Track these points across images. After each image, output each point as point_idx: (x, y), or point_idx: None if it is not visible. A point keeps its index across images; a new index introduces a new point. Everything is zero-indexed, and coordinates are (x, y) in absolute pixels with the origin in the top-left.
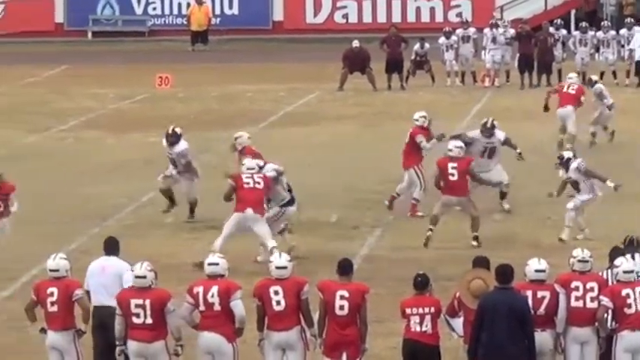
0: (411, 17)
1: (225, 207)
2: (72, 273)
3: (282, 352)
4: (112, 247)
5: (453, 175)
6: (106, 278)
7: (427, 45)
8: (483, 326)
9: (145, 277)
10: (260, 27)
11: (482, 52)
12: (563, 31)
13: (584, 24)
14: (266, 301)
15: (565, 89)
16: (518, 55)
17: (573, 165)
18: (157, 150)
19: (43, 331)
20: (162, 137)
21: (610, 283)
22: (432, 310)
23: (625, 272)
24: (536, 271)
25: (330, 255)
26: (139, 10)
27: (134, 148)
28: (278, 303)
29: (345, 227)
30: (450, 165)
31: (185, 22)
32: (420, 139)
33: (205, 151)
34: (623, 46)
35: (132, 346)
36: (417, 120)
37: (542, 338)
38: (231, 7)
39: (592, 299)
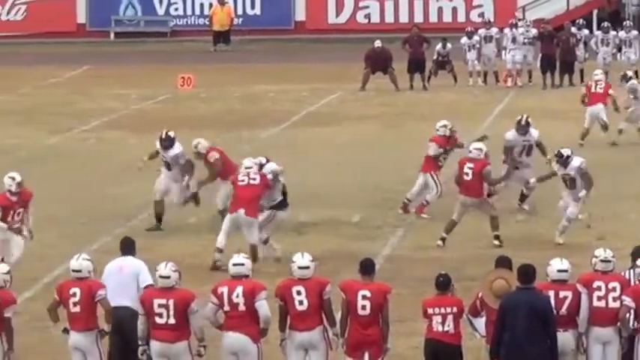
0: (433, 17)
1: None
2: (95, 274)
3: (305, 352)
4: (128, 247)
5: (467, 174)
6: (124, 278)
7: (449, 45)
8: (505, 326)
9: (169, 277)
10: (282, 27)
11: (503, 52)
12: (586, 31)
13: (606, 24)
14: (288, 301)
15: (593, 89)
16: (540, 55)
17: (575, 163)
18: None
19: (66, 331)
20: (157, 141)
21: (632, 282)
22: (454, 309)
23: None
24: (559, 271)
25: (353, 255)
26: (161, 11)
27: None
28: (301, 303)
29: (368, 227)
30: (467, 165)
31: (207, 23)
32: (431, 145)
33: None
34: None
35: (154, 346)
36: (437, 130)
37: (565, 338)
38: (253, 7)
39: (614, 299)
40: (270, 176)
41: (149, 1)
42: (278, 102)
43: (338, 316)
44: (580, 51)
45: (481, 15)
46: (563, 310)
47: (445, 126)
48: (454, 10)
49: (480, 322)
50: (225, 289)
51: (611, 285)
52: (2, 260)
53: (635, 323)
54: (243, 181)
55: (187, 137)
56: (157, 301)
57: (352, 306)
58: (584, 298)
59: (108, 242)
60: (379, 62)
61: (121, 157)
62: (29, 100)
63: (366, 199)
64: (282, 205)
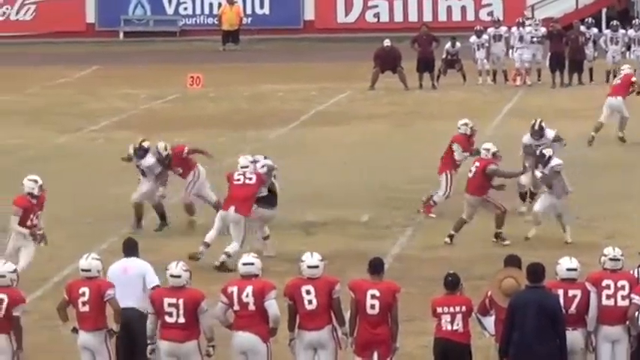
0: (442, 16)
1: None
2: (104, 273)
3: (314, 351)
4: (131, 248)
5: (471, 171)
6: (129, 279)
7: (458, 44)
8: (514, 325)
9: (179, 276)
10: (291, 26)
11: (511, 51)
12: (595, 30)
13: (615, 22)
14: (298, 300)
15: (614, 82)
16: (549, 53)
17: (552, 163)
18: None
19: (75, 330)
20: (130, 148)
21: None
22: (463, 308)
23: None
24: (568, 269)
25: (362, 254)
26: (170, 10)
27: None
28: (310, 302)
29: (376, 226)
30: (475, 164)
31: (216, 22)
32: (456, 147)
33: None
34: None
35: (164, 345)
36: (459, 128)
37: (574, 337)
38: (262, 6)
39: (623, 297)
40: (264, 169)
41: (158, 0)
42: (287, 101)
43: (347, 315)
44: (589, 50)
45: (490, 14)
46: (573, 308)
47: (466, 124)
48: (463, 8)
49: (489, 321)
50: (235, 289)
51: (620, 283)
52: None
53: None
54: (239, 180)
55: (198, 136)
56: (167, 300)
57: (361, 305)
58: (593, 296)
59: (115, 242)
60: (388, 61)
61: None
62: (38, 100)
63: (375, 199)
64: (267, 201)
